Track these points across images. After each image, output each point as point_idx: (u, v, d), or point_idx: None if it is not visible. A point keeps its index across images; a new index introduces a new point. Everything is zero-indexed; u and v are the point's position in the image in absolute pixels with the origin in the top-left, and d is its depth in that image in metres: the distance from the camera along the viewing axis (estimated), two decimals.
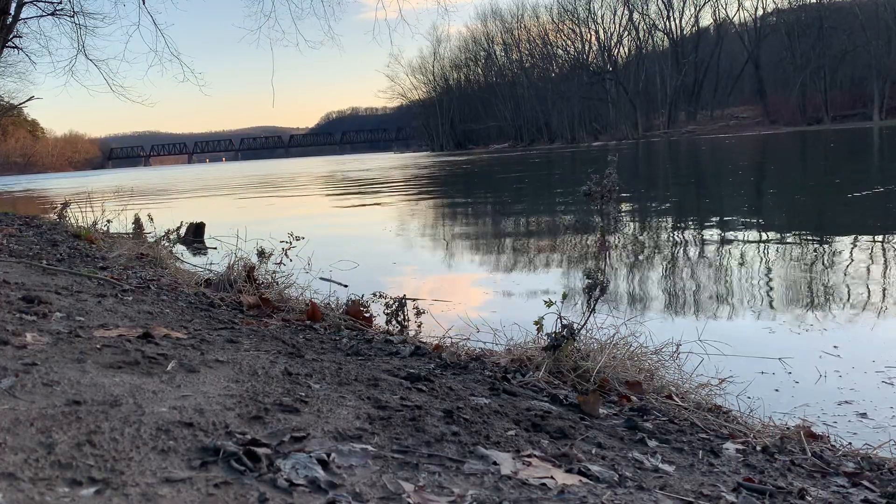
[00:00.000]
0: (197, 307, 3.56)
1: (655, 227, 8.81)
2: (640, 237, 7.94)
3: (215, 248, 7.10)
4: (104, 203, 8.65)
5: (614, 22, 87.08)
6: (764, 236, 7.43)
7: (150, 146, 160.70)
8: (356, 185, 24.61)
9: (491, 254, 7.47)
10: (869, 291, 4.65)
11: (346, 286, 4.94)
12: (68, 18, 14.66)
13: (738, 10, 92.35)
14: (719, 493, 1.49)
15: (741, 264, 5.92)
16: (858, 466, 1.96)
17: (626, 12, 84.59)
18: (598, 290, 2.82)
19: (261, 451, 1.30)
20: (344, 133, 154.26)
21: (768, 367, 3.20)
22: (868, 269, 5.35)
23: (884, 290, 4.70)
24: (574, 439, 1.78)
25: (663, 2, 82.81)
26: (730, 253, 6.52)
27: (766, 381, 3.06)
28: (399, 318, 3.74)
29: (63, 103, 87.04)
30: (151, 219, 7.74)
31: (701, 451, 1.87)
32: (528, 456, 1.55)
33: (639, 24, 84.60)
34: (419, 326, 3.68)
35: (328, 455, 1.33)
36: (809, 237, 7.25)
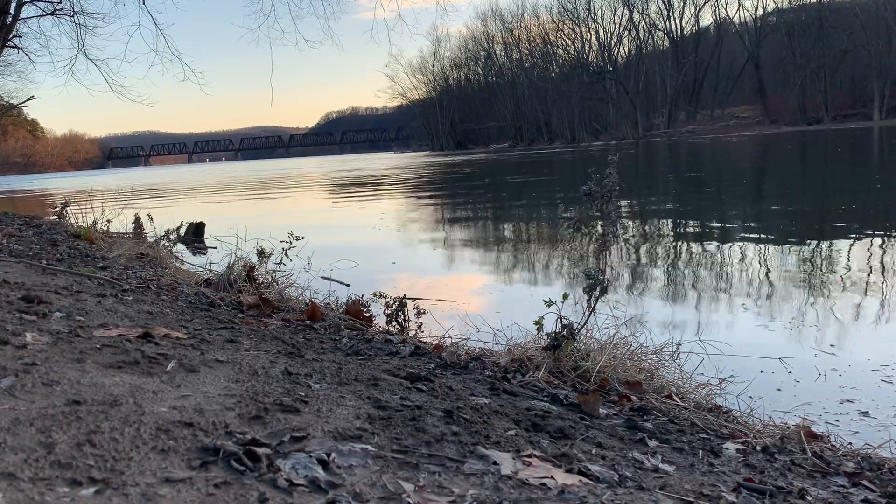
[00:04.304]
0: (197, 307, 3.56)
1: (655, 228, 8.81)
2: (641, 237, 7.94)
3: (215, 248, 7.09)
4: (104, 203, 8.65)
5: (614, 22, 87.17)
6: (762, 237, 7.42)
7: (150, 146, 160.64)
8: (357, 184, 24.61)
9: (491, 254, 7.47)
10: (863, 291, 4.65)
11: (347, 285, 4.94)
12: (68, 18, 14.64)
13: (738, 9, 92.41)
14: (719, 493, 1.49)
15: (740, 264, 5.92)
16: (858, 466, 1.96)
17: (626, 12, 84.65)
18: (598, 290, 2.82)
19: (261, 451, 1.30)
20: (344, 133, 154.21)
21: (768, 366, 3.20)
22: (861, 270, 5.35)
23: (876, 289, 4.70)
24: (574, 439, 1.78)
25: (663, 1, 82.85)
26: (729, 253, 6.52)
27: (767, 380, 3.06)
28: (399, 318, 3.73)
29: (63, 103, 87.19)
30: (151, 219, 7.74)
31: (701, 451, 1.87)
32: (528, 456, 1.54)
33: (639, 23, 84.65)
34: (419, 326, 3.68)
35: (328, 455, 1.33)
36: (806, 238, 7.25)
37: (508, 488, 1.33)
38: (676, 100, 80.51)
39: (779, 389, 2.95)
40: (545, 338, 2.75)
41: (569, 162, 33.02)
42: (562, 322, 2.72)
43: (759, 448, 2.02)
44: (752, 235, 7.50)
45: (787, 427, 2.28)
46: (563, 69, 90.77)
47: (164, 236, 7.14)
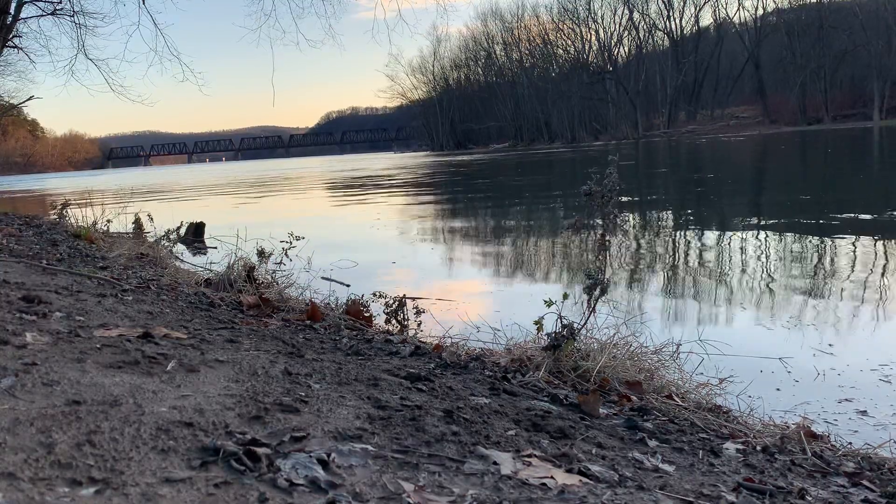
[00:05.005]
0: (197, 307, 3.56)
1: (655, 228, 8.82)
2: (641, 237, 7.94)
3: (215, 248, 7.09)
4: (104, 203, 8.65)
5: (614, 22, 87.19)
6: (762, 237, 7.43)
7: (150, 146, 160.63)
8: (357, 185, 24.62)
9: (491, 254, 7.47)
10: (860, 291, 4.65)
11: (347, 285, 4.94)
12: (68, 18, 14.63)
13: (739, 9, 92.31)
14: (719, 493, 1.49)
15: (740, 264, 5.92)
16: (858, 466, 1.96)
17: (626, 12, 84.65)
18: (598, 289, 2.82)
19: (261, 450, 1.30)
20: (344, 133, 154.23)
21: (768, 366, 3.20)
22: (859, 270, 5.35)
23: (873, 289, 4.70)
24: (574, 439, 1.78)
25: (663, 1, 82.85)
26: (729, 253, 6.52)
27: (766, 380, 3.06)
28: (399, 318, 3.74)
29: (63, 103, 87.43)
30: (151, 219, 7.74)
31: (701, 451, 1.87)
32: (528, 456, 1.54)
33: (639, 23, 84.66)
34: (419, 326, 3.68)
35: (328, 455, 1.33)
36: (805, 238, 7.25)
37: (508, 488, 1.33)
38: (676, 100, 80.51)
39: (778, 389, 2.95)
40: (545, 338, 2.75)
41: (569, 162, 33.02)
42: (562, 322, 2.72)
43: (759, 448, 2.02)
44: (749, 236, 7.50)
45: (787, 427, 2.28)
46: (563, 69, 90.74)
47: (164, 236, 7.14)
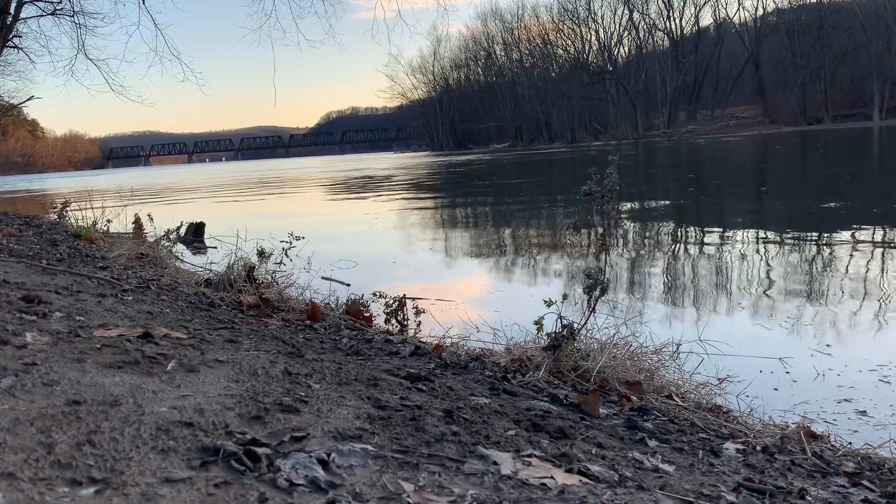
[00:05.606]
0: (197, 307, 3.56)
1: (655, 228, 8.82)
2: (641, 238, 7.94)
3: (215, 248, 7.09)
4: (104, 203, 8.64)
5: (614, 22, 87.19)
6: (761, 237, 7.43)
7: (150, 146, 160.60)
8: (357, 185, 24.62)
9: (491, 254, 7.47)
10: (858, 292, 4.65)
11: (348, 285, 4.94)
12: (68, 18, 14.63)
13: (738, 9, 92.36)
14: (719, 493, 1.49)
15: (739, 265, 5.92)
16: (858, 466, 1.96)
17: (626, 12, 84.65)
18: (598, 289, 2.82)
19: (261, 450, 1.30)
20: (344, 133, 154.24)
21: (767, 366, 3.20)
22: (856, 271, 5.35)
23: (871, 290, 4.70)
24: (574, 439, 1.78)
25: (663, 1, 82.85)
26: (729, 254, 6.52)
27: (766, 380, 3.06)
28: (399, 318, 3.74)
29: (63, 103, 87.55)
30: (151, 219, 7.74)
31: (701, 451, 1.87)
32: (528, 456, 1.55)
33: (639, 23, 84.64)
34: (419, 326, 3.68)
35: (328, 455, 1.33)
36: (804, 238, 7.25)
37: (508, 488, 1.33)
38: (676, 100, 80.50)
39: (777, 389, 2.96)
40: (545, 338, 2.75)
41: (569, 162, 33.02)
42: (562, 322, 2.73)
43: (759, 448, 2.02)
44: (748, 237, 7.50)
45: (787, 427, 2.28)
46: (563, 69, 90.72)
47: (164, 236, 7.15)
